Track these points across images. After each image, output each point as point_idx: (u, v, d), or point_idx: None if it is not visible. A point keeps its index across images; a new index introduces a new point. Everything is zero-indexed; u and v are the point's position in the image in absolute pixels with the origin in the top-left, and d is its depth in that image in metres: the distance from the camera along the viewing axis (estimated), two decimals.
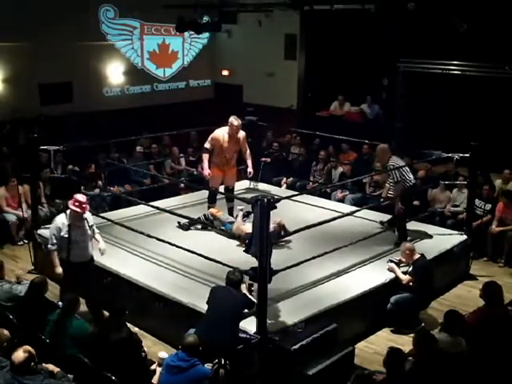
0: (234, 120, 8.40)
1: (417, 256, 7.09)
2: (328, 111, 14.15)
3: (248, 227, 7.36)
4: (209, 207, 8.67)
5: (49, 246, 6.66)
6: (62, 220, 6.62)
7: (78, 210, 6.57)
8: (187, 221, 8.27)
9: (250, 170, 8.87)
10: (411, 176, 8.01)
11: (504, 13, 10.83)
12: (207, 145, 8.53)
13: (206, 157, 8.52)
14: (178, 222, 8.39)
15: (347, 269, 7.28)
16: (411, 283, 6.94)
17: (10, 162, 10.42)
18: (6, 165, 10.37)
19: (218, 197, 8.78)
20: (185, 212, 8.47)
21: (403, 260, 7.20)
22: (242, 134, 8.64)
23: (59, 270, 6.60)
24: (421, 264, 7.03)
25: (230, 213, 8.64)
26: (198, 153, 11.54)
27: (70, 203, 6.62)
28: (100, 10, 13.44)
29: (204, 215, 8.37)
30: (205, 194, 9.08)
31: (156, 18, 14.31)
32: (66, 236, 6.54)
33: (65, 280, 6.65)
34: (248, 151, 8.81)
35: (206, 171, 8.51)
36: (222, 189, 9.03)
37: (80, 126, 11.95)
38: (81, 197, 6.68)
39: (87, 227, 6.76)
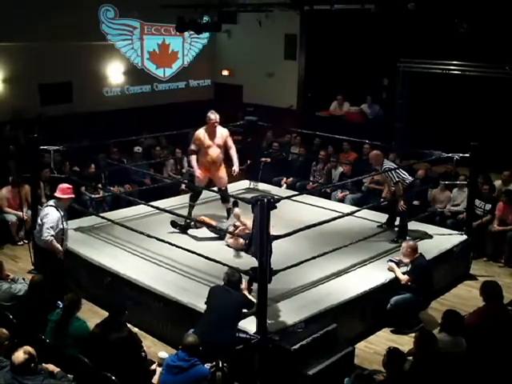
0: (210, 114, 8.34)
1: (416, 255, 7.09)
2: (328, 111, 14.15)
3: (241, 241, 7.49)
4: (190, 205, 8.61)
5: (48, 237, 6.83)
6: (56, 213, 6.90)
7: (72, 195, 7.11)
8: (183, 222, 8.29)
9: (234, 167, 8.61)
10: (407, 175, 8.14)
11: (504, 13, 10.83)
12: (192, 146, 8.46)
13: (193, 158, 8.46)
14: (174, 225, 8.36)
15: (347, 269, 7.28)
16: (410, 283, 6.94)
17: (13, 161, 10.43)
18: (10, 164, 10.37)
19: (215, 197, 8.74)
20: (185, 212, 8.47)
21: (402, 259, 7.20)
22: (223, 130, 8.52)
23: (61, 255, 6.98)
24: (418, 263, 7.03)
25: (229, 214, 8.58)
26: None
27: (60, 194, 6.99)
28: (100, 10, 13.47)
29: (195, 225, 8.34)
30: (205, 194, 9.06)
31: (156, 17, 14.33)
32: (61, 227, 6.94)
33: (55, 269, 6.87)
34: (233, 148, 8.62)
35: (197, 171, 8.44)
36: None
37: (80, 126, 11.95)
38: (66, 184, 7.14)
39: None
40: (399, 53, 12.32)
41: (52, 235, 6.85)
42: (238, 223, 7.97)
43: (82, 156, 10.59)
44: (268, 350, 5.69)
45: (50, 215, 6.88)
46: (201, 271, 6.98)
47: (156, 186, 10.59)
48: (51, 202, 7.03)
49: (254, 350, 5.68)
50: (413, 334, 5.71)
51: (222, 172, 8.59)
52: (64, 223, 7.01)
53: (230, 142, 8.59)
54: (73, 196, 7.20)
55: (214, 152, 8.36)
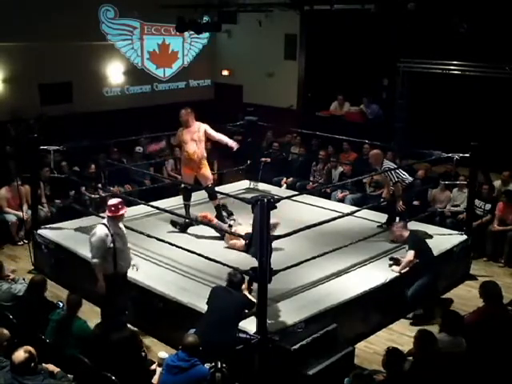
0: (182, 110, 8.38)
1: (407, 233, 7.34)
2: (328, 111, 14.15)
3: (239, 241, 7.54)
4: (186, 205, 8.61)
5: (94, 260, 6.15)
6: (104, 231, 6.16)
7: (122, 212, 6.28)
8: (183, 221, 8.29)
9: (230, 143, 8.56)
10: (407, 175, 8.17)
11: (504, 13, 10.84)
12: (173, 141, 8.83)
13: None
14: (174, 224, 8.36)
15: (347, 269, 7.29)
16: (414, 259, 7.04)
17: (13, 161, 10.42)
18: (10, 164, 10.37)
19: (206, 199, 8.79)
20: (184, 212, 8.48)
21: (395, 239, 7.57)
22: (201, 125, 8.44)
23: (103, 285, 6.19)
24: (412, 236, 7.29)
25: (218, 211, 8.53)
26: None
27: (108, 213, 6.24)
28: (100, 10, 13.47)
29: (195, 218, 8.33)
30: (204, 194, 9.06)
31: (156, 18, 14.33)
32: (112, 246, 6.15)
33: (109, 294, 6.23)
34: (219, 134, 8.57)
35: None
36: (224, 189, 8.98)
37: (80, 126, 11.95)
38: (114, 201, 6.33)
39: (124, 233, 6.47)
40: (399, 53, 12.33)
41: (100, 257, 6.11)
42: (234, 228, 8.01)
43: (81, 156, 10.60)
44: (268, 349, 5.69)
45: (95, 234, 6.17)
46: (201, 271, 6.98)
47: (156, 186, 10.60)
48: (104, 220, 6.32)
49: (254, 350, 5.68)
50: (413, 334, 5.71)
51: (204, 169, 8.53)
52: (117, 242, 6.17)
53: (213, 132, 8.53)
54: (123, 212, 6.28)
55: (191, 148, 8.33)
